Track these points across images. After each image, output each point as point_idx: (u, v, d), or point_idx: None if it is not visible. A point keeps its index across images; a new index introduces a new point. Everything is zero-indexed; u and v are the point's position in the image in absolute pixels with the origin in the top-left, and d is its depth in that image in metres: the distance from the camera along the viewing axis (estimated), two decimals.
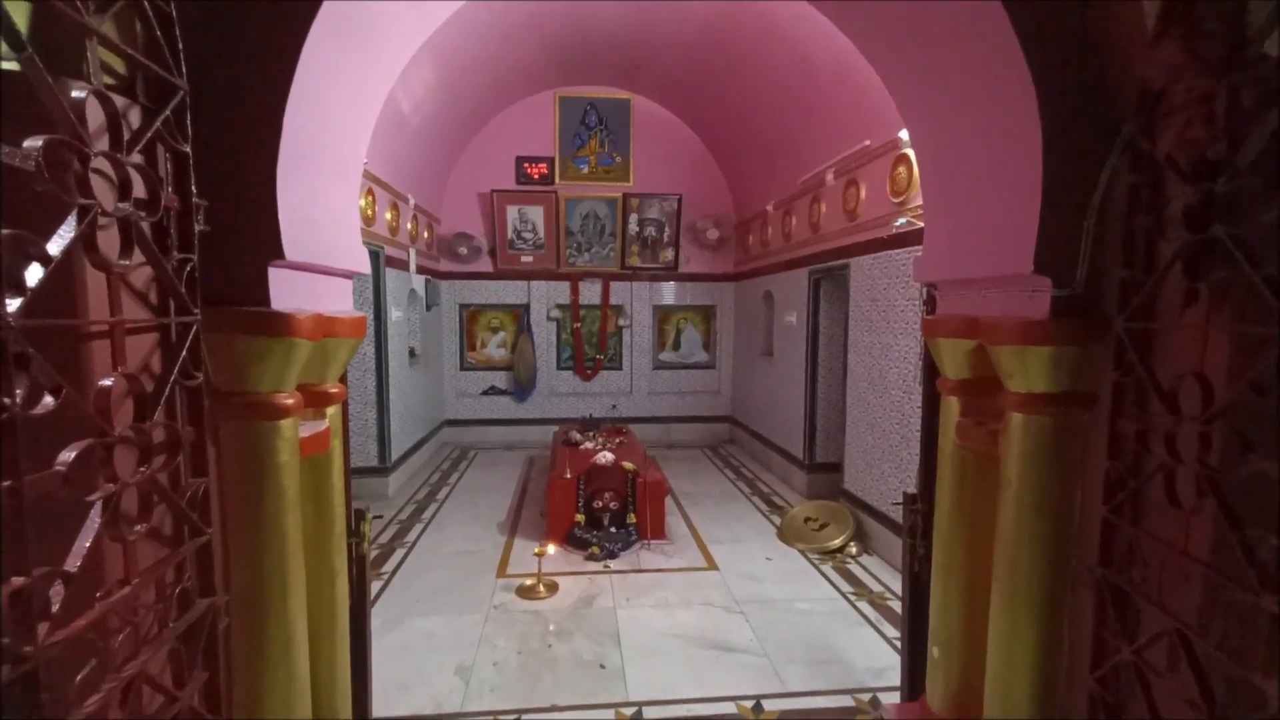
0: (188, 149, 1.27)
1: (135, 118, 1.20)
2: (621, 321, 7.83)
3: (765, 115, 5.94)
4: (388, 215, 5.64)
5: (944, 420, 2.02)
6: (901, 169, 4.01)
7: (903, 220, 3.99)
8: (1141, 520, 1.40)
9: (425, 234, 6.85)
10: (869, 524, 4.45)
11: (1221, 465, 1.16)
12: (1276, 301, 1.04)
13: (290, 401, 1.50)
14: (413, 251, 6.36)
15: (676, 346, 8.02)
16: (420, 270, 6.64)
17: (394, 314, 5.88)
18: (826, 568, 4.13)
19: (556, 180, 7.50)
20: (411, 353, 6.54)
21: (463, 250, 7.43)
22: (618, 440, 5.48)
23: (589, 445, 5.23)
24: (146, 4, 1.16)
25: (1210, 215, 1.21)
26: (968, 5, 1.56)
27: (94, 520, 0.99)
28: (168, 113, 1.22)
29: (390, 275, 5.71)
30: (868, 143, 4.41)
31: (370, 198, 5.18)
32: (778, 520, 4.98)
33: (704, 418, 8.03)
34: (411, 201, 6.25)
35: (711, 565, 4.14)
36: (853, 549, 4.33)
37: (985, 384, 1.87)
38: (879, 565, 4.15)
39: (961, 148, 1.85)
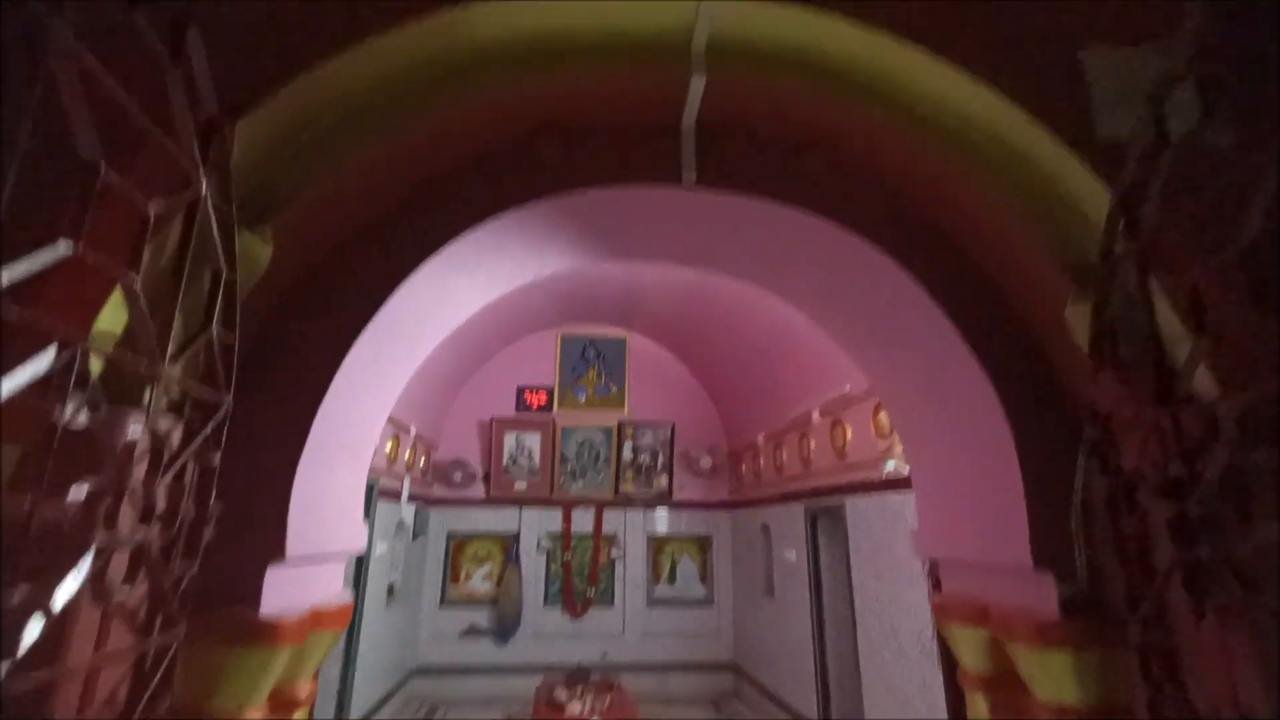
0: (217, 461, 1.35)
1: (177, 436, 1.29)
2: (614, 552, 7.51)
3: (751, 355, 6.46)
4: (387, 446, 5.74)
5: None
6: (883, 415, 4.24)
7: (891, 465, 4.09)
8: None
9: (421, 460, 6.90)
10: None
11: None
12: None
13: (258, 719, 1.36)
14: (407, 480, 6.34)
15: (672, 579, 7.58)
16: (411, 497, 6.55)
17: (379, 549, 5.63)
18: None
19: (555, 408, 7.82)
20: (390, 590, 6.12)
21: (457, 476, 7.43)
22: (608, 699, 4.87)
23: (575, 707, 4.63)
24: (215, 341, 1.34)
25: (1193, 532, 1.26)
26: (925, 316, 1.81)
27: None
28: (209, 430, 1.32)
29: (381, 508, 5.61)
30: (848, 388, 4.73)
31: None
32: None
33: (704, 665, 7.25)
34: (413, 430, 6.42)
35: None
36: None
37: (1011, 680, 1.74)
38: None
39: (939, 435, 1.98)
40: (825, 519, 5.43)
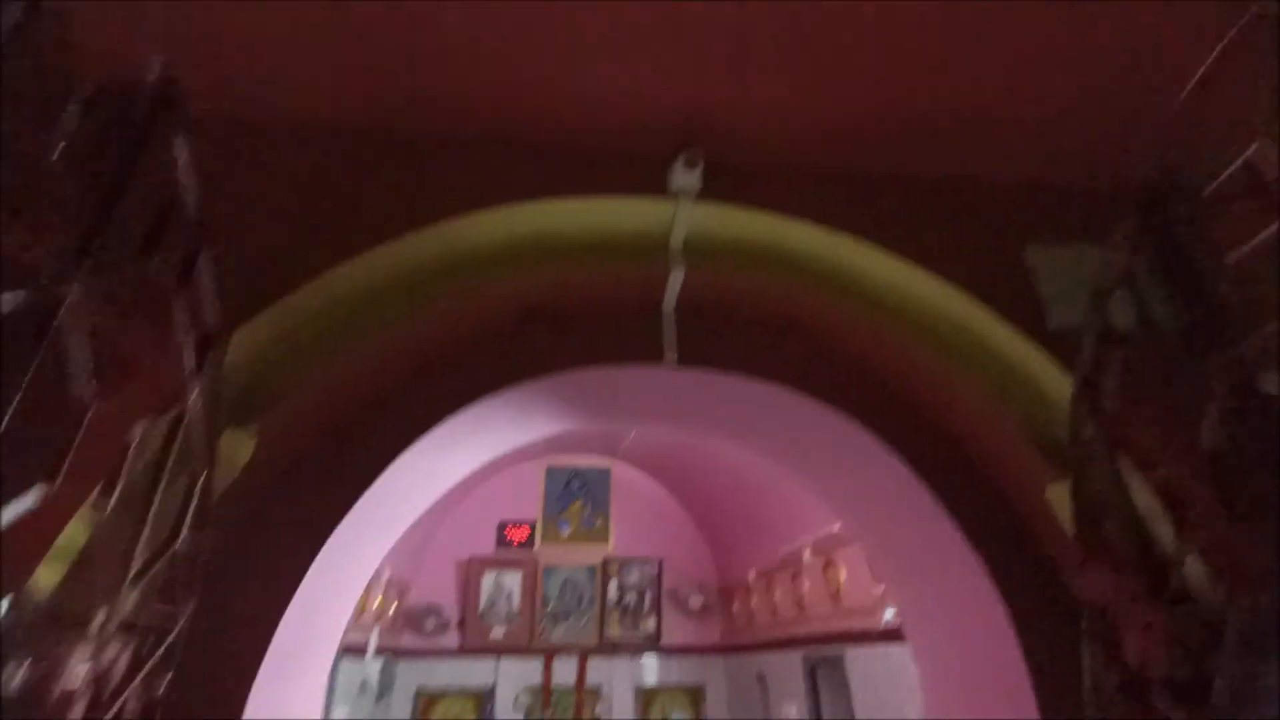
0: (165, 685, 1.24)
1: (124, 661, 1.19)
2: (599, 709, 6.85)
3: (741, 486, 6.36)
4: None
5: None
6: None
7: (890, 614, 3.90)
8: None
9: (393, 607, 6.44)
10: None
11: None
12: None
13: None
14: (376, 631, 5.87)
15: None
16: (378, 650, 6.02)
17: (338, 712, 5.08)
18: None
19: (537, 543, 7.49)
20: None
21: (430, 624, 6.90)
22: None
23: None
24: (183, 549, 1.28)
25: None
26: (912, 497, 1.81)
27: None
28: (159, 655, 1.22)
29: (344, 667, 5.14)
30: (837, 527, 4.62)
31: None
32: None
33: None
34: (385, 575, 6.05)
35: None
36: None
37: None
38: None
39: (936, 613, 1.91)
40: (825, 670, 5.06)
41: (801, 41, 1.39)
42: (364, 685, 5.79)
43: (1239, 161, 1.29)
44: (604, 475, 7.98)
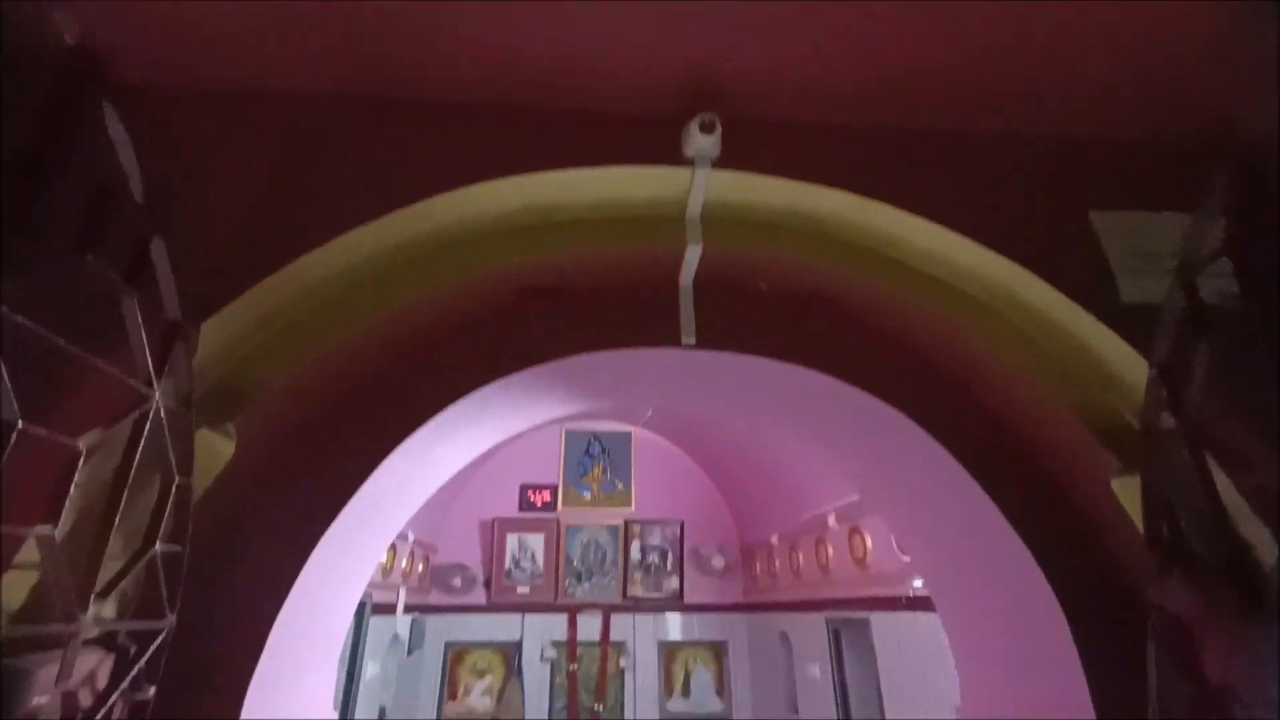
0: (150, 695, 1.17)
1: (105, 671, 1.12)
2: (623, 662, 7.01)
3: (763, 451, 6.24)
4: (384, 557, 5.48)
5: None
6: None
7: (919, 583, 3.81)
8: None
9: (420, 566, 6.58)
10: None
11: None
12: None
13: None
14: (403, 590, 6.02)
15: (686, 692, 7.02)
16: (408, 608, 6.19)
17: (369, 670, 5.26)
18: None
19: (559, 506, 7.55)
20: (381, 714, 5.67)
21: (457, 581, 7.07)
22: None
23: None
24: (159, 557, 1.19)
25: None
26: (957, 487, 1.65)
27: None
28: (142, 663, 1.15)
29: (373, 624, 5.29)
30: (857, 497, 4.49)
31: None
32: None
33: None
34: (410, 537, 6.16)
35: None
36: None
37: None
38: None
39: (977, 601, 1.78)
40: (850, 633, 5.04)
41: None
42: (395, 640, 5.97)
43: None
44: (624, 439, 7.94)
